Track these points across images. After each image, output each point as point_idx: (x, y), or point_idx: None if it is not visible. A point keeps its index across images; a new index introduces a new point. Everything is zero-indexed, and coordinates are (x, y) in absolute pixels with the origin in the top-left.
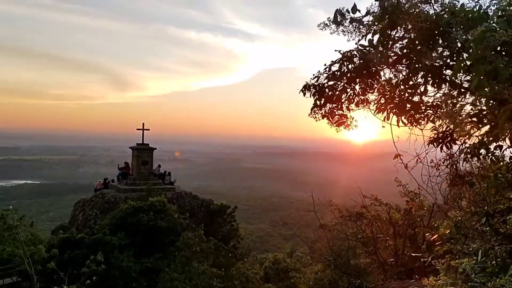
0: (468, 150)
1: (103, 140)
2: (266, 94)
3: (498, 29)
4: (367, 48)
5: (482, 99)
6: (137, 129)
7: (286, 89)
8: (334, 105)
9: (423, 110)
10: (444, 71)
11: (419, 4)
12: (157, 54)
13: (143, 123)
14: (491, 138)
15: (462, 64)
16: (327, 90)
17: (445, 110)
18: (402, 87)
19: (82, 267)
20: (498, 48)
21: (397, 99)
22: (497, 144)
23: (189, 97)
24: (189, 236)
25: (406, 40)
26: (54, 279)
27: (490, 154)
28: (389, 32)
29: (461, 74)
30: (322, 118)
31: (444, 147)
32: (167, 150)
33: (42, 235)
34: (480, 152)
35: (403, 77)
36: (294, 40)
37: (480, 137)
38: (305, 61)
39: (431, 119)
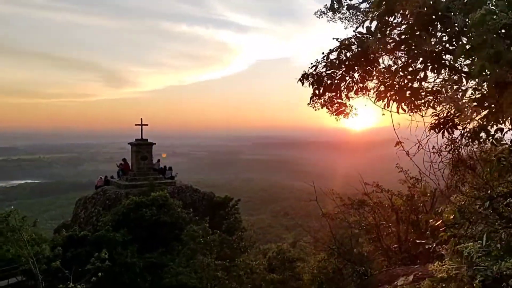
0: (469, 134)
1: (101, 137)
2: (262, 85)
3: (498, 11)
4: (365, 36)
5: (484, 83)
6: (136, 125)
7: (282, 80)
8: (333, 93)
9: (423, 96)
10: (444, 56)
11: None
12: (150, 49)
13: (141, 119)
14: (491, 122)
15: (464, 49)
16: (325, 78)
17: (447, 95)
18: (401, 73)
19: (86, 265)
20: (499, 31)
21: (397, 86)
22: (498, 127)
23: (184, 91)
24: (193, 229)
25: (404, 26)
26: (59, 277)
27: (490, 137)
28: (387, 18)
29: (461, 58)
30: (322, 107)
31: (445, 133)
32: (166, 144)
33: (45, 234)
34: (481, 135)
35: (402, 64)
36: (287, 31)
37: (480, 121)
38: (300, 51)
39: (431, 105)
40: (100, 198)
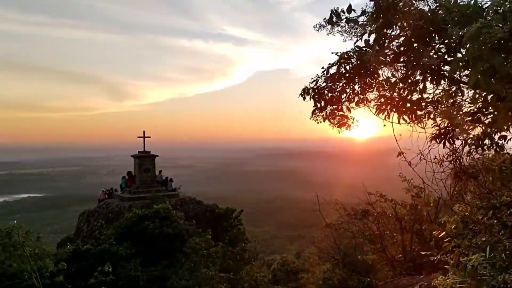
0: (472, 141)
1: (104, 150)
2: (263, 96)
3: (494, 25)
4: (364, 49)
5: (482, 94)
6: (138, 137)
7: (282, 90)
8: (334, 106)
9: (423, 107)
10: (442, 67)
11: (414, 2)
12: (151, 63)
13: (144, 131)
14: (494, 129)
15: (460, 63)
16: (326, 91)
17: (444, 109)
18: (401, 85)
19: (89, 279)
20: (495, 45)
21: (397, 97)
22: (501, 134)
23: (186, 103)
24: (195, 241)
25: (402, 38)
26: None
27: (494, 145)
28: (385, 31)
29: (460, 70)
30: (324, 121)
31: (446, 143)
32: (169, 157)
33: (48, 248)
34: (484, 142)
35: (401, 76)
36: (284, 43)
37: (483, 128)
38: (298, 62)
39: (432, 115)
40: (103, 211)
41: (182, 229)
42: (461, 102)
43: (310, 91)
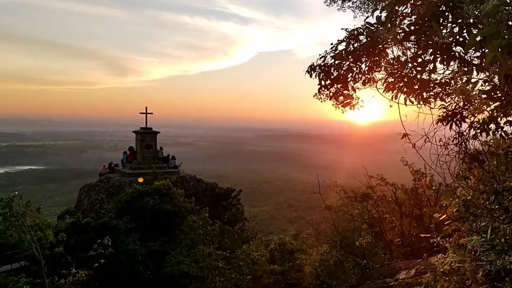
0: (478, 125)
1: (105, 125)
2: (265, 76)
3: (511, 2)
4: (375, 25)
5: (495, 76)
6: (140, 113)
7: (284, 72)
8: (339, 85)
9: (431, 88)
10: (454, 48)
11: None
12: (153, 39)
13: (146, 107)
14: (501, 114)
15: (475, 40)
16: (332, 69)
17: (457, 86)
18: (410, 65)
19: (89, 251)
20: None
21: (405, 77)
22: (507, 119)
23: (188, 81)
24: (193, 219)
25: (414, 16)
26: (62, 263)
27: (499, 130)
28: (397, 8)
29: (472, 50)
30: (328, 99)
31: (453, 125)
32: (170, 134)
33: (48, 220)
34: (490, 127)
35: (411, 55)
36: (287, 24)
37: (490, 112)
38: (301, 43)
39: (440, 96)
40: (104, 185)
41: (181, 206)
42: (476, 81)
43: (317, 68)
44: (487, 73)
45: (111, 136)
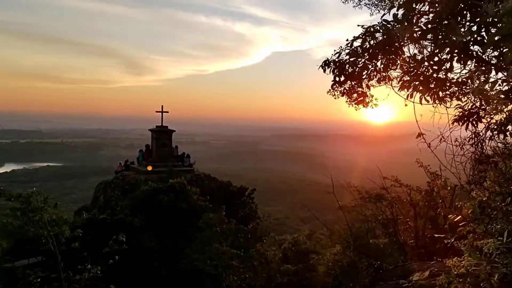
0: (495, 126)
1: (122, 123)
2: (280, 76)
3: None
4: (391, 23)
5: None
6: (156, 112)
7: (299, 72)
8: (354, 82)
9: (448, 87)
10: (471, 47)
11: None
12: (169, 38)
13: (162, 106)
14: None
15: (494, 39)
16: (347, 66)
17: (475, 86)
18: (426, 63)
19: (104, 247)
20: None
21: (421, 76)
22: None
23: (204, 80)
24: (210, 217)
25: (432, 15)
26: (78, 258)
27: None
28: (414, 6)
29: (490, 50)
30: (342, 96)
31: (469, 125)
32: (185, 133)
33: (65, 216)
34: (507, 128)
35: (428, 53)
36: (302, 24)
37: (508, 113)
38: (315, 44)
39: (456, 96)
40: (120, 183)
41: (196, 205)
42: (496, 80)
43: (331, 64)
44: (506, 73)
45: (127, 134)
